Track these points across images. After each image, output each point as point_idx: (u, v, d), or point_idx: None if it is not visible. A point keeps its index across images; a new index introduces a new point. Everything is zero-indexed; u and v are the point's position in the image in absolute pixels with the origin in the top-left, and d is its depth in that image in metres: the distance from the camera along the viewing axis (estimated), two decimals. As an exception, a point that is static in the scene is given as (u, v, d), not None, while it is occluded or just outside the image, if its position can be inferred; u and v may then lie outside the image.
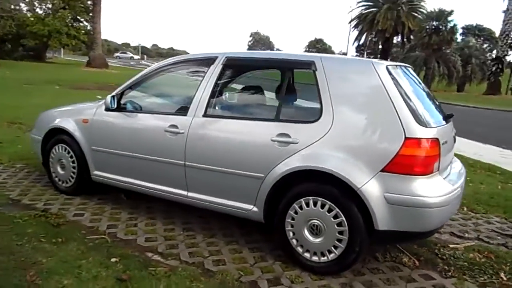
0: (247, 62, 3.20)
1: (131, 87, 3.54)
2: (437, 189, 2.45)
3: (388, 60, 37.03)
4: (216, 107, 3.12)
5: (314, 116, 2.65)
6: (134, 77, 3.54)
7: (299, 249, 2.69)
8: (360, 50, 69.34)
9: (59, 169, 3.91)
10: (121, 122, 3.45)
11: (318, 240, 2.61)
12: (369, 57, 46.21)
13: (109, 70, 28.05)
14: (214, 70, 3.08)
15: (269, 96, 3.26)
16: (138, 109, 3.50)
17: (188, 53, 5.13)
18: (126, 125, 3.42)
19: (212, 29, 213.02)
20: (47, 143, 3.97)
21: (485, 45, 50.77)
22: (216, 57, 3.14)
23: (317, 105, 2.65)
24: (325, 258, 2.61)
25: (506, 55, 25.25)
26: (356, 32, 39.60)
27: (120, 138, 3.45)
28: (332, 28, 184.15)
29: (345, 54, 76.58)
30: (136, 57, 67.45)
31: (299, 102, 3.05)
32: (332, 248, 2.57)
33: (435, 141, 2.46)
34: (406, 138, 2.39)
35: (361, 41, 38.70)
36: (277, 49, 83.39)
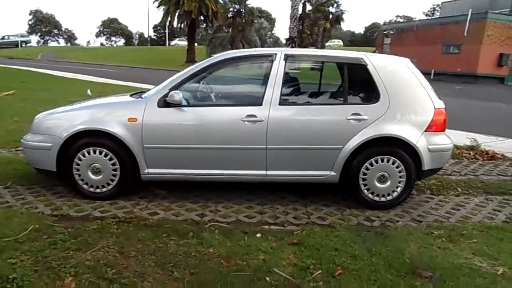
0: (306, 58, 3.87)
1: (183, 83, 3.65)
2: (449, 139, 3.86)
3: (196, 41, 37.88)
4: (289, 97, 3.69)
5: (374, 98, 3.65)
6: (185, 74, 3.66)
7: (370, 196, 3.71)
8: (157, 30, 69.26)
9: (90, 175, 3.65)
10: (184, 117, 3.57)
11: (385, 185, 3.69)
12: (174, 38, 46.62)
13: None
14: (279, 65, 3.64)
15: (330, 85, 4.02)
16: (198, 104, 3.68)
17: None
18: (192, 119, 3.58)
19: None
20: (66, 149, 3.61)
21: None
22: (276, 54, 3.70)
23: (373, 90, 3.66)
24: (390, 197, 3.72)
25: (297, 36, 30.59)
26: (161, 13, 39.52)
27: (185, 132, 3.59)
28: (128, 7, 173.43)
29: (142, 34, 75.01)
30: None
31: (356, 89, 3.92)
32: (395, 188, 3.70)
33: (445, 108, 3.85)
34: (435, 108, 3.69)
35: (169, 22, 38.89)
36: (67, 29, 74.58)
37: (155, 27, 67.65)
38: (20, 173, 4.34)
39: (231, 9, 35.15)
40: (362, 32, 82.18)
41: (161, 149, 3.61)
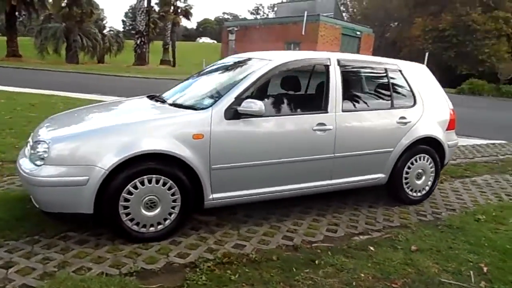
0: (356, 63, 3.79)
1: (246, 91, 3.17)
2: (456, 136, 4.42)
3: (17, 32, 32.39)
4: (348, 103, 3.58)
5: (411, 102, 3.92)
6: (249, 80, 3.18)
7: (410, 192, 3.99)
8: None
9: (143, 211, 2.86)
10: (257, 129, 3.12)
11: (421, 181, 4.01)
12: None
13: None
14: (335, 69, 3.53)
15: (377, 89, 4.00)
16: (268, 114, 3.23)
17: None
18: (265, 131, 3.17)
19: None
20: (107, 182, 2.73)
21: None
22: (329, 58, 3.57)
23: (410, 95, 3.92)
24: (424, 191, 4.07)
25: (145, 29, 28.89)
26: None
27: (259, 146, 3.14)
28: None
29: None
30: None
31: (397, 93, 3.98)
32: (428, 183, 4.07)
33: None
34: (450, 109, 4.19)
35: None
36: None
37: None
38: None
39: (64, -4, 30.92)
40: (195, 27, 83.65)
41: (231, 169, 3.08)
